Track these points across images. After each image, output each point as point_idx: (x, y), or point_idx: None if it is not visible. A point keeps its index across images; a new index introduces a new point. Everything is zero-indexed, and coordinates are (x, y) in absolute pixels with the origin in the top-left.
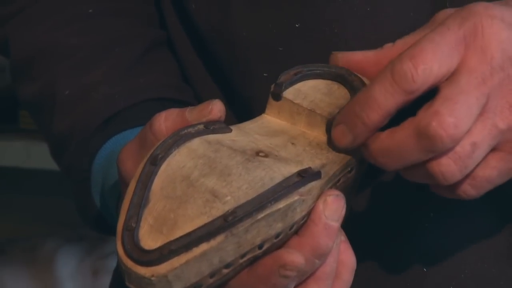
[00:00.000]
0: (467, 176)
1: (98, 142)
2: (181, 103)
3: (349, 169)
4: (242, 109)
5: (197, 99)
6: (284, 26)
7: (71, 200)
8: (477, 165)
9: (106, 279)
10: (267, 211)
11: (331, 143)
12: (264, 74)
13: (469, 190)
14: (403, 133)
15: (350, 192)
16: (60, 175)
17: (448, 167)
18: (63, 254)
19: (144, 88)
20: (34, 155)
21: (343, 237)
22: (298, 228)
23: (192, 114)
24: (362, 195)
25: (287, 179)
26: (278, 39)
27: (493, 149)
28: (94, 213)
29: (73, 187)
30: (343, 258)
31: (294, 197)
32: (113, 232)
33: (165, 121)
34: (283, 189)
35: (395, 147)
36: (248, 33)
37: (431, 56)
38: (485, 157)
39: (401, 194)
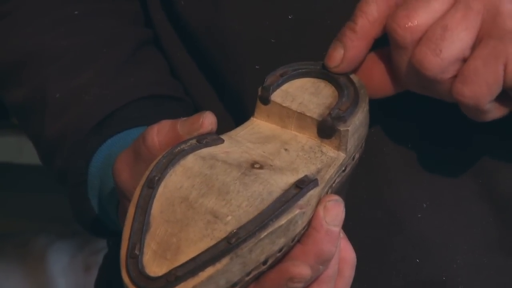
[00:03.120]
0: (458, 74)
1: (94, 145)
2: (173, 99)
3: (343, 168)
4: (234, 103)
5: (188, 95)
6: (277, 18)
7: (63, 196)
8: (466, 61)
9: None
10: (270, 229)
11: (323, 145)
12: (256, 67)
13: (460, 88)
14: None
15: (344, 187)
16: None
17: (423, 55)
18: (55, 250)
19: (135, 87)
20: (27, 151)
21: (342, 234)
22: (300, 237)
23: (183, 127)
24: (354, 186)
25: (285, 192)
26: (270, 31)
27: (479, 41)
28: (91, 217)
29: (68, 191)
30: (344, 255)
31: (295, 211)
32: (110, 234)
33: (158, 135)
34: (283, 205)
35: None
36: (240, 26)
37: None
38: (471, 52)
39: (394, 185)
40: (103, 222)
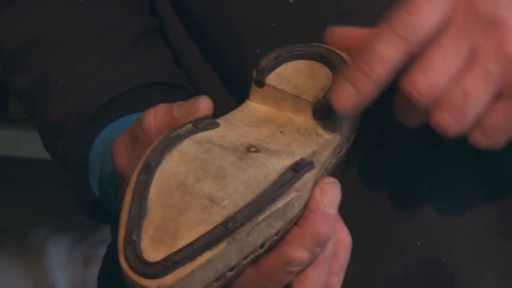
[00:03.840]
0: (476, 125)
1: (95, 129)
2: (175, 87)
3: (339, 149)
4: (238, 89)
5: (191, 83)
6: (278, 2)
7: (62, 189)
8: (485, 113)
9: (97, 268)
10: (267, 213)
11: (319, 127)
12: (257, 51)
13: (479, 139)
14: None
15: (340, 168)
16: (50, 164)
17: (443, 119)
18: (53, 243)
19: (138, 73)
20: (25, 144)
21: (337, 216)
22: (297, 220)
23: (179, 111)
24: (354, 171)
25: (282, 175)
26: (271, 15)
27: (499, 95)
28: (92, 201)
29: (70, 176)
30: (339, 237)
31: (291, 194)
32: (110, 220)
33: (154, 119)
34: (279, 188)
35: (397, 107)
36: (242, 10)
37: (426, 6)
38: (491, 105)
39: (394, 169)
40: (104, 207)
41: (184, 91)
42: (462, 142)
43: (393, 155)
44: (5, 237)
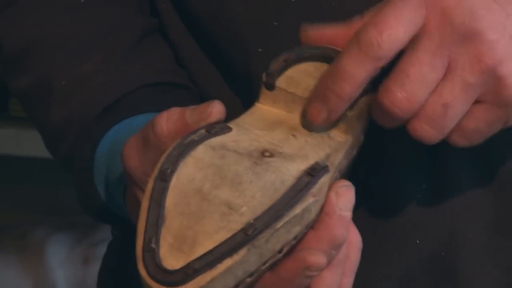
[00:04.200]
0: (456, 128)
1: (100, 131)
2: (179, 87)
3: (351, 151)
4: (241, 87)
5: (193, 82)
6: (280, 1)
7: (62, 188)
8: (465, 117)
9: (97, 267)
10: (285, 219)
11: (331, 129)
12: (259, 50)
13: (460, 141)
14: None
15: (350, 169)
16: (50, 163)
17: (423, 131)
18: (53, 242)
19: (141, 74)
20: (25, 143)
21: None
22: (313, 224)
23: (192, 116)
24: (353, 170)
25: (298, 181)
26: (274, 14)
27: (478, 101)
28: (97, 202)
29: (74, 177)
30: (351, 239)
31: (309, 199)
32: (114, 221)
33: (167, 122)
34: (297, 194)
35: (375, 114)
36: (244, 10)
37: (394, 21)
38: (471, 109)
39: (393, 165)
40: (109, 208)
41: (187, 91)
42: None
43: (391, 152)
44: (5, 236)
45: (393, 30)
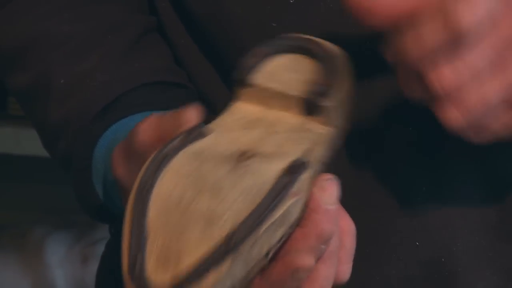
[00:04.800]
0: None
1: (98, 130)
2: (177, 86)
3: (334, 142)
4: None
5: (192, 82)
6: (278, 2)
7: (61, 187)
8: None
9: (96, 266)
10: (267, 224)
11: (310, 122)
12: None
13: (471, 136)
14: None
15: (333, 159)
16: (49, 162)
17: (453, 115)
18: (52, 240)
19: (139, 73)
20: (23, 142)
21: (338, 208)
22: (299, 221)
23: (170, 123)
24: (353, 172)
25: (277, 181)
26: (271, 15)
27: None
28: (95, 202)
29: (72, 176)
30: (343, 226)
31: (289, 200)
32: (113, 220)
33: (146, 131)
34: (277, 195)
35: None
36: (242, 10)
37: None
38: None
39: (393, 169)
40: (106, 207)
41: (186, 90)
42: (461, 143)
43: (392, 155)
44: (3, 235)
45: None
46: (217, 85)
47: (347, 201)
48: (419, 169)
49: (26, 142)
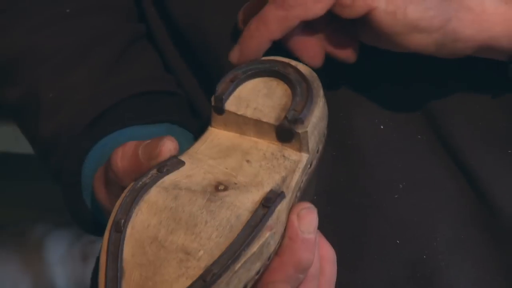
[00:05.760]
0: None
1: (86, 146)
2: (166, 94)
3: (309, 166)
4: None
5: (180, 88)
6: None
7: (61, 185)
8: None
9: None
10: (243, 259)
11: (285, 149)
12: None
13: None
14: None
15: (312, 180)
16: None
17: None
18: (52, 239)
19: (127, 84)
20: (23, 140)
21: (317, 235)
22: (276, 251)
23: (144, 154)
24: (330, 171)
25: (253, 215)
26: None
27: None
28: (86, 216)
29: (62, 191)
30: (323, 253)
31: (265, 234)
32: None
33: (121, 160)
34: (253, 230)
35: None
36: (222, 23)
37: None
38: None
39: (369, 167)
40: (98, 221)
41: (174, 98)
42: (434, 138)
43: (366, 153)
44: (4, 233)
45: None
46: (202, 91)
47: (323, 205)
48: (394, 166)
49: (26, 141)
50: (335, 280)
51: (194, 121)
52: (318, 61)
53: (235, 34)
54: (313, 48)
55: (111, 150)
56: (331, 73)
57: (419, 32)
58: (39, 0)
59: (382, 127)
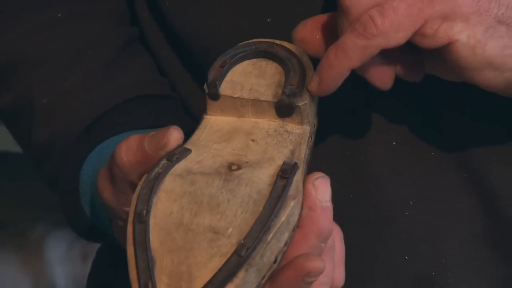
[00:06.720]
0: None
1: (83, 152)
2: (160, 97)
3: (310, 139)
4: None
5: (175, 91)
6: (256, 21)
7: (55, 192)
8: None
9: None
10: (274, 229)
11: (286, 124)
12: None
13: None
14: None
15: (310, 156)
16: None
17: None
18: (52, 238)
19: (121, 89)
20: None
21: None
22: (297, 222)
23: (150, 145)
24: (340, 185)
25: (274, 187)
26: (250, 33)
27: None
28: (84, 222)
29: (59, 199)
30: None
31: (290, 203)
32: (103, 239)
33: (126, 154)
34: (277, 201)
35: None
36: (222, 29)
37: None
38: None
39: (380, 183)
40: (96, 227)
41: (169, 101)
42: (447, 154)
43: (377, 169)
44: (4, 233)
45: None
46: (198, 95)
47: (334, 216)
48: (405, 183)
49: None
50: (344, 256)
51: (189, 124)
52: (389, 84)
53: (238, 40)
54: (385, 72)
55: (108, 156)
56: (344, 88)
57: (493, 69)
58: (31, 5)
59: (394, 143)
